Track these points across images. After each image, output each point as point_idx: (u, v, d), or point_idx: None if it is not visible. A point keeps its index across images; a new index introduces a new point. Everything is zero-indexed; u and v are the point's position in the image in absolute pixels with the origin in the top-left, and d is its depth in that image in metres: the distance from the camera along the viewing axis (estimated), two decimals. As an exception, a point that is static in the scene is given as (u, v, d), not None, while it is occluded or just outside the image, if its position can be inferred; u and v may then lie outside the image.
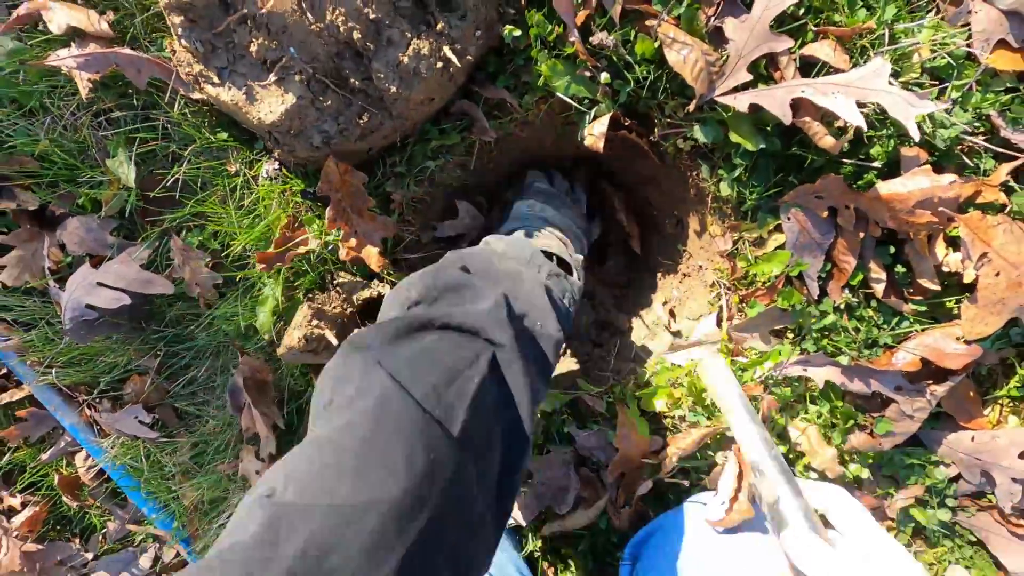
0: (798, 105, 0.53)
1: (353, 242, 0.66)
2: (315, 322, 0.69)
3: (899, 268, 0.62)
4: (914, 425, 0.66)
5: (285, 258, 0.66)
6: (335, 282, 0.71)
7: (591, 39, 0.57)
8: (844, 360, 0.65)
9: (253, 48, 0.53)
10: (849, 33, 0.52)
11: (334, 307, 0.70)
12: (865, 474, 0.70)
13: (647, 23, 0.56)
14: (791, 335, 0.69)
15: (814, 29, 0.54)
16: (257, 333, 0.73)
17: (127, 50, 0.61)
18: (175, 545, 0.86)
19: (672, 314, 0.76)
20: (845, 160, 0.58)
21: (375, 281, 0.72)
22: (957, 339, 0.61)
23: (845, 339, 0.66)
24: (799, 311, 0.66)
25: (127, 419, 0.79)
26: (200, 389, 0.81)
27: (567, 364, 0.83)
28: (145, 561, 0.91)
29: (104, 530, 0.91)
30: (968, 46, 0.53)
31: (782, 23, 0.55)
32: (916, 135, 0.49)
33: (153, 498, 0.87)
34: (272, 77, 0.54)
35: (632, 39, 0.57)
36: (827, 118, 0.54)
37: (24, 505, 0.88)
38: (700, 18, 0.56)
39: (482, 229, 0.81)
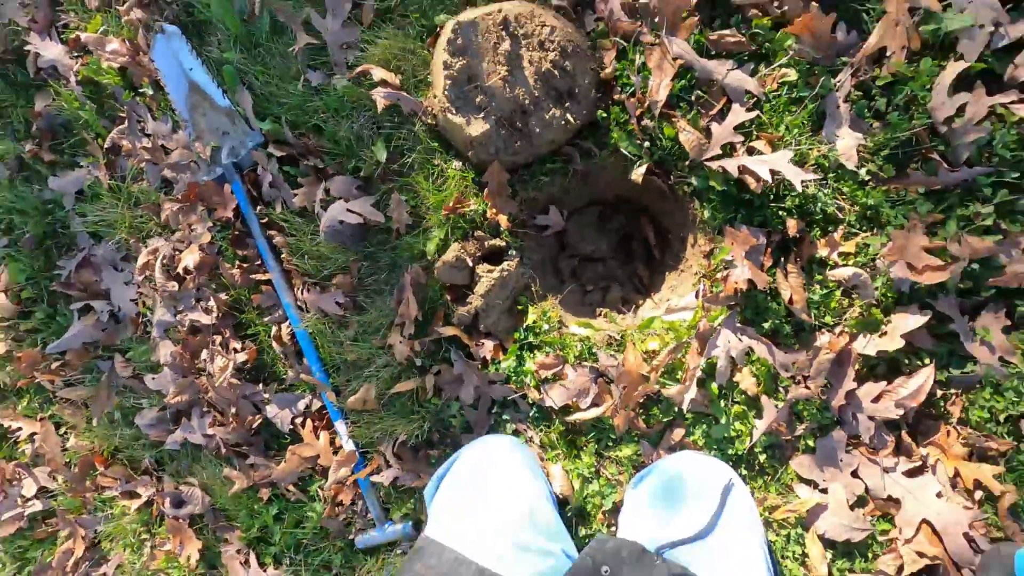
0: (743, 168, 1.03)
1: (494, 211, 1.19)
2: (461, 253, 1.20)
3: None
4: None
5: (457, 212, 1.19)
6: (475, 234, 1.23)
7: (641, 123, 1.11)
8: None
9: (476, 100, 1.09)
10: (772, 138, 1.03)
11: (473, 248, 1.22)
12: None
13: (672, 119, 1.10)
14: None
15: (757, 134, 1.05)
16: (424, 258, 1.24)
17: (404, 93, 1.19)
18: (329, 394, 1.33)
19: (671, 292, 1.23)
20: (770, 203, 1.06)
21: (497, 239, 1.23)
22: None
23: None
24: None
25: (329, 300, 1.31)
26: (376, 289, 1.32)
27: (599, 323, 1.30)
28: (301, 405, 1.38)
29: (283, 377, 1.40)
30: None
31: (741, 127, 1.06)
32: (799, 187, 0.98)
33: (320, 361, 1.36)
34: (480, 115, 1.10)
35: (662, 126, 1.10)
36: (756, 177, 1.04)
37: (244, 349, 1.40)
38: (700, 121, 1.09)
39: (560, 228, 1.32)
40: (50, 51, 1.46)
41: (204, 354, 1.42)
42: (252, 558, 1.45)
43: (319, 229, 1.28)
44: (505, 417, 1.27)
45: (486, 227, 1.24)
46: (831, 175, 1.05)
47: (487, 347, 1.25)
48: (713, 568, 0.85)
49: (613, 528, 1.21)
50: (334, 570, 1.41)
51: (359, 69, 1.22)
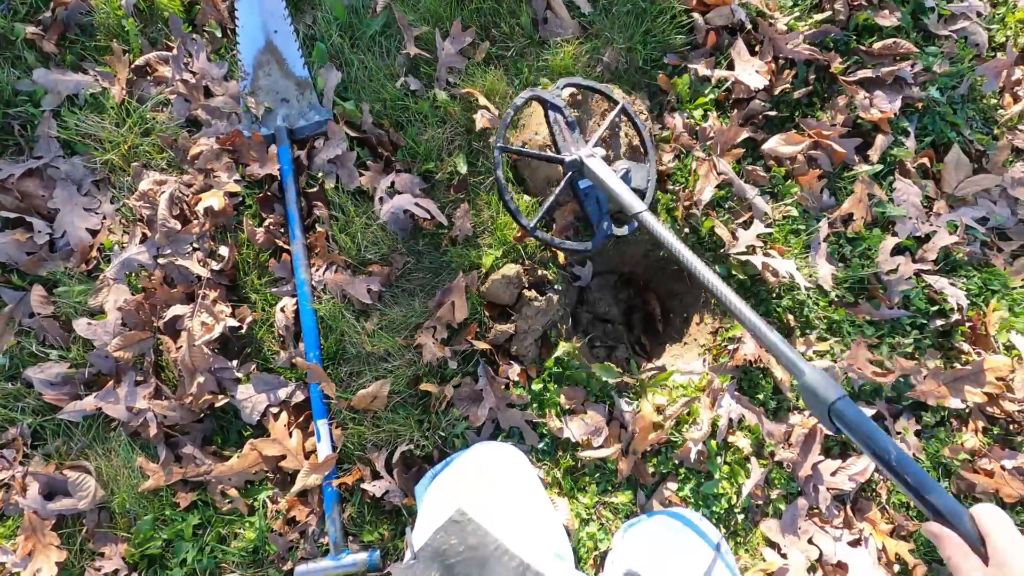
0: (766, 265, 1.31)
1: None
2: (515, 272, 1.27)
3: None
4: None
5: (522, 240, 1.28)
6: (526, 262, 1.31)
7: (688, 211, 1.36)
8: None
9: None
10: (781, 250, 1.35)
11: (524, 272, 1.29)
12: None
13: (710, 216, 1.37)
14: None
15: (771, 245, 1.36)
16: (472, 270, 1.28)
17: (500, 123, 1.32)
18: (325, 385, 1.20)
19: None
20: (773, 298, 1.34)
21: (547, 271, 1.33)
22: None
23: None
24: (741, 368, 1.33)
25: (360, 285, 1.24)
26: (408, 289, 1.29)
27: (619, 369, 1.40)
28: (283, 393, 1.21)
29: (269, 357, 1.22)
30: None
31: (761, 236, 1.37)
32: (804, 289, 1.27)
33: (319, 349, 1.24)
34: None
35: (702, 219, 1.37)
36: (775, 272, 1.32)
37: (234, 315, 1.21)
38: (730, 224, 1.37)
39: (585, 283, 1.46)
40: (109, -46, 1.34)
41: (171, 311, 1.20)
42: (133, 585, 1.11)
43: (376, 213, 1.27)
44: (507, 448, 1.25)
45: (537, 259, 1.34)
46: (812, 291, 1.38)
47: (514, 370, 1.27)
48: None
49: (602, 574, 1.20)
50: (255, 609, 1.13)
51: (465, 90, 1.33)
